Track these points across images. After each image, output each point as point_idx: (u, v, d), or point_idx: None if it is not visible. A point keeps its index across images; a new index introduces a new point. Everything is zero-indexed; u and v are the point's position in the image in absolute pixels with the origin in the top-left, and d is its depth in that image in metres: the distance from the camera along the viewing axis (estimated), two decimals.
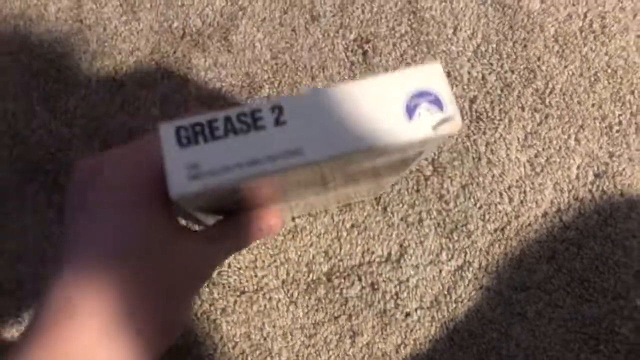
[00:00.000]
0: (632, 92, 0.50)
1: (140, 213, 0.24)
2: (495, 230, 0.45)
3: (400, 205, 0.46)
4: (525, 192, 0.46)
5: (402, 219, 0.46)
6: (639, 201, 0.46)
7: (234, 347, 0.42)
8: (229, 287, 0.43)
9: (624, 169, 0.47)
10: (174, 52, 0.51)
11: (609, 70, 0.51)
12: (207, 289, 0.43)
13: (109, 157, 0.25)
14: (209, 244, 0.26)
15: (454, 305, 0.43)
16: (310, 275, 0.44)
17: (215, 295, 0.43)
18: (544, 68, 0.51)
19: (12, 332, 0.44)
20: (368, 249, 0.45)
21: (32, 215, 0.47)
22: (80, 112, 0.50)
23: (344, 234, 0.45)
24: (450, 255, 0.44)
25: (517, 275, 0.44)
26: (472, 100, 0.49)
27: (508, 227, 0.45)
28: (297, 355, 0.42)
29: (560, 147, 0.48)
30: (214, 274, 0.44)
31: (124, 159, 0.25)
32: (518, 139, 0.48)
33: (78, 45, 0.52)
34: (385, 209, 0.46)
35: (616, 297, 0.43)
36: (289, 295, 0.43)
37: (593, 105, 0.49)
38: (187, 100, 0.49)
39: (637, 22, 0.52)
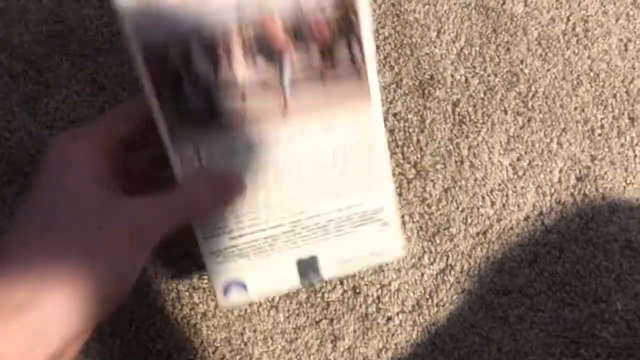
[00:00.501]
0: (614, 96, 0.50)
1: (95, 185, 0.26)
2: (478, 234, 0.45)
3: None
4: (507, 195, 0.46)
5: None
6: (620, 205, 0.46)
7: (214, 352, 0.41)
8: (209, 291, 0.43)
9: (605, 173, 0.47)
10: None
11: (592, 74, 0.51)
12: (187, 293, 0.43)
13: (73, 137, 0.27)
14: (157, 204, 0.26)
15: (436, 309, 0.43)
16: None
17: (196, 299, 0.43)
18: (526, 71, 0.51)
19: None
20: None
21: (10, 218, 0.46)
22: (61, 114, 0.49)
23: None
24: (432, 259, 0.44)
25: (499, 279, 0.44)
26: (455, 104, 0.49)
27: (490, 231, 0.45)
28: None
29: (542, 151, 0.48)
30: (195, 279, 0.43)
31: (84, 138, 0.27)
32: (500, 142, 0.48)
33: (59, 46, 0.51)
34: None
35: (597, 301, 0.43)
36: (269, 299, 0.43)
37: (575, 108, 0.49)
38: None
39: (620, 25, 0.52)
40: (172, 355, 0.41)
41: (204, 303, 0.43)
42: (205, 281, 0.43)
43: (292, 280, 0.31)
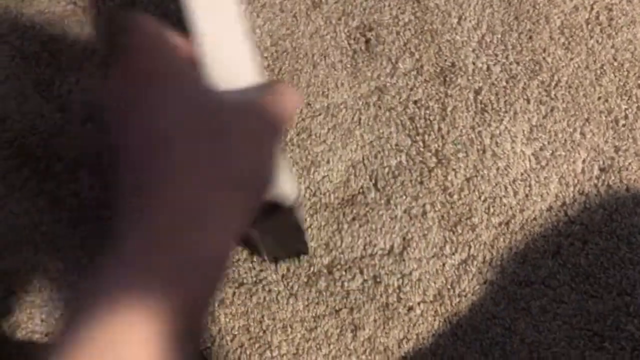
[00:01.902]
0: (639, 86, 0.49)
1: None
2: (500, 224, 0.44)
3: (404, 197, 0.45)
4: (530, 185, 0.45)
5: (405, 212, 0.45)
6: None
7: (232, 340, 0.41)
8: (227, 278, 0.42)
9: (630, 164, 0.46)
10: None
11: (616, 64, 0.50)
12: None
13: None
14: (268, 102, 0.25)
15: (458, 300, 0.42)
16: (311, 268, 0.43)
17: None
18: (549, 60, 0.50)
19: None
20: (370, 242, 0.44)
21: (20, 203, 0.45)
22: (74, 97, 0.48)
23: (345, 226, 0.44)
24: (454, 249, 0.43)
25: (522, 270, 0.43)
26: (477, 92, 0.48)
27: (513, 221, 0.44)
28: (297, 349, 0.41)
29: (565, 141, 0.47)
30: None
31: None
32: (523, 131, 0.47)
33: (72, 27, 0.50)
34: (388, 201, 0.45)
35: (621, 294, 0.42)
36: (288, 287, 0.42)
37: (599, 98, 0.48)
38: None
39: None
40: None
41: (222, 290, 0.42)
42: None
43: None
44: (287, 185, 0.29)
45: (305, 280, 0.42)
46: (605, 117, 0.48)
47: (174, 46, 0.25)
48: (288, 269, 0.42)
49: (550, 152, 0.46)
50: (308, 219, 0.44)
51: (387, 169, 0.46)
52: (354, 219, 0.45)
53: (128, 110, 0.23)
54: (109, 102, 0.24)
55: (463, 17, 0.51)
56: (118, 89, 0.23)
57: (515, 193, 0.45)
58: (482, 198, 0.45)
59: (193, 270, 0.21)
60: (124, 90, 0.23)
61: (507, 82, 0.49)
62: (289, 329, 0.41)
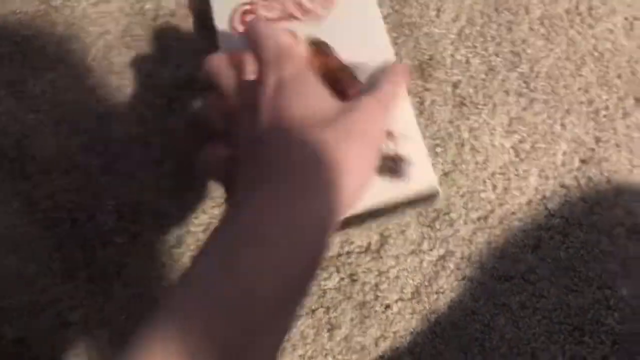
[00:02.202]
0: (619, 76, 0.48)
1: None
2: (479, 219, 0.44)
3: None
4: (509, 179, 0.45)
5: None
6: (625, 188, 0.45)
7: None
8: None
9: (610, 155, 0.46)
10: (146, 35, 0.49)
11: (596, 54, 0.49)
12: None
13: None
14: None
15: (436, 297, 0.41)
16: None
17: None
18: (529, 51, 0.49)
19: None
20: (347, 239, 0.43)
21: None
22: (47, 98, 0.47)
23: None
24: (432, 245, 0.43)
25: (501, 265, 0.42)
26: (455, 85, 0.47)
27: (491, 216, 0.44)
28: None
29: (545, 133, 0.46)
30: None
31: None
32: (502, 124, 0.46)
33: (45, 27, 0.49)
34: None
35: (602, 287, 0.42)
36: None
37: (579, 89, 0.48)
38: (159, 85, 0.47)
39: (625, 4, 0.51)
40: None
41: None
42: None
43: None
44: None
45: None
46: (586, 108, 0.47)
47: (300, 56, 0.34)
48: None
49: (530, 144, 0.46)
50: None
51: None
52: None
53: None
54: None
55: (442, 9, 0.50)
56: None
57: (494, 187, 0.44)
58: (460, 193, 0.44)
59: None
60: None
61: (486, 74, 0.48)
62: None
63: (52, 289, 0.42)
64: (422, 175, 0.35)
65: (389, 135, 0.35)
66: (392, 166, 0.34)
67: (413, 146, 0.35)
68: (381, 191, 0.34)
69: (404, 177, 0.34)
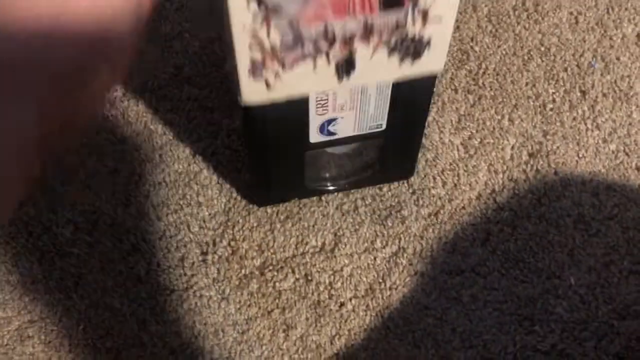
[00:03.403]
0: (566, 70, 0.49)
1: None
2: (429, 215, 0.44)
3: (336, 193, 0.45)
4: (459, 175, 0.46)
5: (337, 208, 0.45)
6: (572, 179, 0.46)
7: (163, 347, 0.41)
8: (157, 286, 0.42)
9: (558, 147, 0.47)
10: None
11: (542, 48, 0.50)
12: (135, 289, 0.42)
13: None
14: None
15: (389, 293, 0.42)
16: (242, 271, 0.43)
17: (144, 295, 0.42)
18: (477, 49, 0.50)
19: None
20: (302, 240, 0.44)
21: None
22: None
23: (278, 225, 0.44)
24: (384, 242, 0.44)
25: (452, 259, 0.43)
26: None
27: (442, 211, 0.44)
28: (229, 352, 0.41)
29: (494, 128, 0.47)
30: (143, 273, 0.42)
31: None
32: (451, 121, 0.47)
33: None
34: (320, 198, 0.45)
35: (550, 277, 0.43)
36: (220, 291, 0.42)
37: (527, 84, 0.49)
38: (113, 97, 0.48)
39: None
40: (121, 352, 0.41)
41: (153, 298, 0.42)
42: (153, 276, 0.43)
43: None
44: None
45: (237, 283, 0.42)
46: (533, 102, 0.48)
47: None
48: (219, 272, 0.42)
49: (479, 140, 0.47)
50: (240, 221, 0.44)
51: None
52: (287, 217, 0.45)
53: None
54: None
55: None
56: None
57: (444, 183, 0.45)
58: (411, 190, 0.45)
59: None
60: None
61: None
62: (221, 333, 0.41)
63: (10, 303, 0.42)
64: (434, 59, 0.33)
65: (421, 13, 0.30)
66: (408, 47, 0.32)
67: (441, 29, 0.31)
68: (389, 69, 0.33)
69: (417, 58, 0.32)
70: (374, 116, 0.37)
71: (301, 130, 0.37)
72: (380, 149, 0.41)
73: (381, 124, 0.38)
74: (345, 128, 0.37)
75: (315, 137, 0.38)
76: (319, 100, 0.35)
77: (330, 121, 0.37)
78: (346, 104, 0.36)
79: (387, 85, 0.35)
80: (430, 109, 0.40)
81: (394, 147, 0.41)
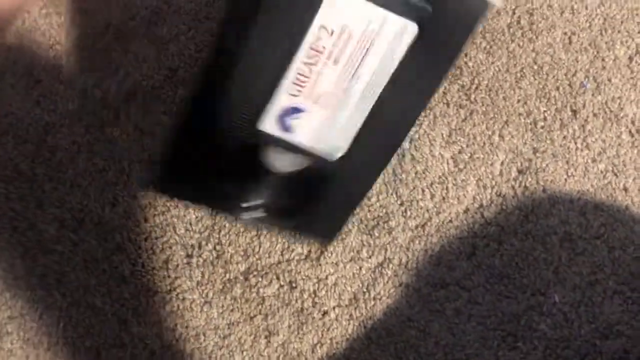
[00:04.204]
0: (557, 88, 0.50)
1: None
2: (416, 227, 0.44)
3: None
4: (447, 188, 0.46)
5: None
6: (561, 197, 0.46)
7: (144, 349, 0.40)
8: (141, 287, 0.42)
9: (547, 165, 0.47)
10: (96, 46, 0.50)
11: (535, 67, 0.51)
12: (118, 289, 0.42)
13: None
14: None
15: (373, 303, 0.42)
16: (227, 275, 0.43)
17: (127, 295, 0.42)
18: (470, 64, 0.50)
19: None
20: (288, 247, 0.44)
21: None
22: None
23: (264, 231, 0.44)
24: (370, 252, 0.44)
25: (437, 272, 0.43)
26: None
27: (429, 224, 0.44)
28: (209, 357, 0.40)
29: (484, 143, 0.47)
30: (127, 273, 0.42)
31: None
32: (442, 135, 0.48)
33: None
34: None
35: (535, 293, 0.43)
36: (203, 295, 0.42)
37: (518, 101, 0.49)
38: (106, 96, 0.48)
39: (564, 19, 0.52)
40: (101, 352, 0.40)
41: (135, 299, 0.42)
42: (138, 277, 0.42)
43: None
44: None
45: (221, 287, 0.42)
46: (524, 119, 0.48)
47: None
48: (203, 275, 0.42)
49: (469, 154, 0.47)
50: (227, 225, 0.44)
51: None
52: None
53: None
54: None
55: None
56: None
57: (432, 196, 0.45)
58: (400, 202, 0.45)
59: None
60: None
61: None
62: (202, 337, 0.41)
63: None
64: None
65: None
66: None
67: None
68: None
69: None
70: (340, 130, 0.30)
71: (256, 107, 0.28)
72: (317, 186, 0.32)
73: (340, 148, 0.30)
74: (304, 131, 0.30)
75: (267, 124, 0.29)
76: (300, 75, 0.28)
77: (295, 111, 0.29)
78: (325, 95, 0.29)
79: (379, 85, 0.29)
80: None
81: (336, 191, 0.32)
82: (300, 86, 0.29)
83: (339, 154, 0.31)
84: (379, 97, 0.30)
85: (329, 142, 0.30)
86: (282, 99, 0.29)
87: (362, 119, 0.30)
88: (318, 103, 0.29)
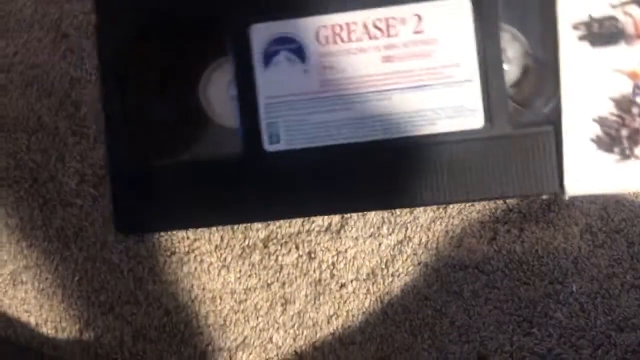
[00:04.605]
0: None
1: None
2: (438, 208, 0.44)
3: None
4: None
5: None
6: None
7: (159, 307, 0.40)
8: (159, 246, 0.42)
9: None
10: None
11: None
12: (135, 246, 0.41)
13: None
14: None
15: (390, 280, 0.42)
16: (246, 241, 0.42)
17: (144, 253, 0.41)
18: None
19: None
20: (309, 218, 0.44)
21: None
22: (20, 58, 0.47)
23: None
24: (391, 229, 0.43)
25: (457, 254, 0.43)
26: None
27: (451, 205, 0.44)
28: (224, 320, 0.40)
29: None
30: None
31: None
32: None
33: None
34: None
35: (553, 282, 0.43)
36: (221, 259, 0.42)
37: None
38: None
39: None
40: (115, 308, 0.40)
41: (152, 258, 0.41)
42: (156, 236, 0.42)
43: None
44: None
45: (240, 252, 0.42)
46: None
47: None
48: (222, 239, 0.42)
49: None
50: None
51: None
52: None
53: None
54: None
55: None
56: None
57: None
58: None
59: None
60: None
61: None
62: (218, 300, 0.41)
63: (6, 246, 0.41)
64: None
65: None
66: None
67: None
68: None
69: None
70: None
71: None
72: None
73: None
74: None
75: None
76: None
77: None
78: None
79: None
80: None
81: None
82: None
83: None
84: None
85: None
86: None
87: None
88: None
